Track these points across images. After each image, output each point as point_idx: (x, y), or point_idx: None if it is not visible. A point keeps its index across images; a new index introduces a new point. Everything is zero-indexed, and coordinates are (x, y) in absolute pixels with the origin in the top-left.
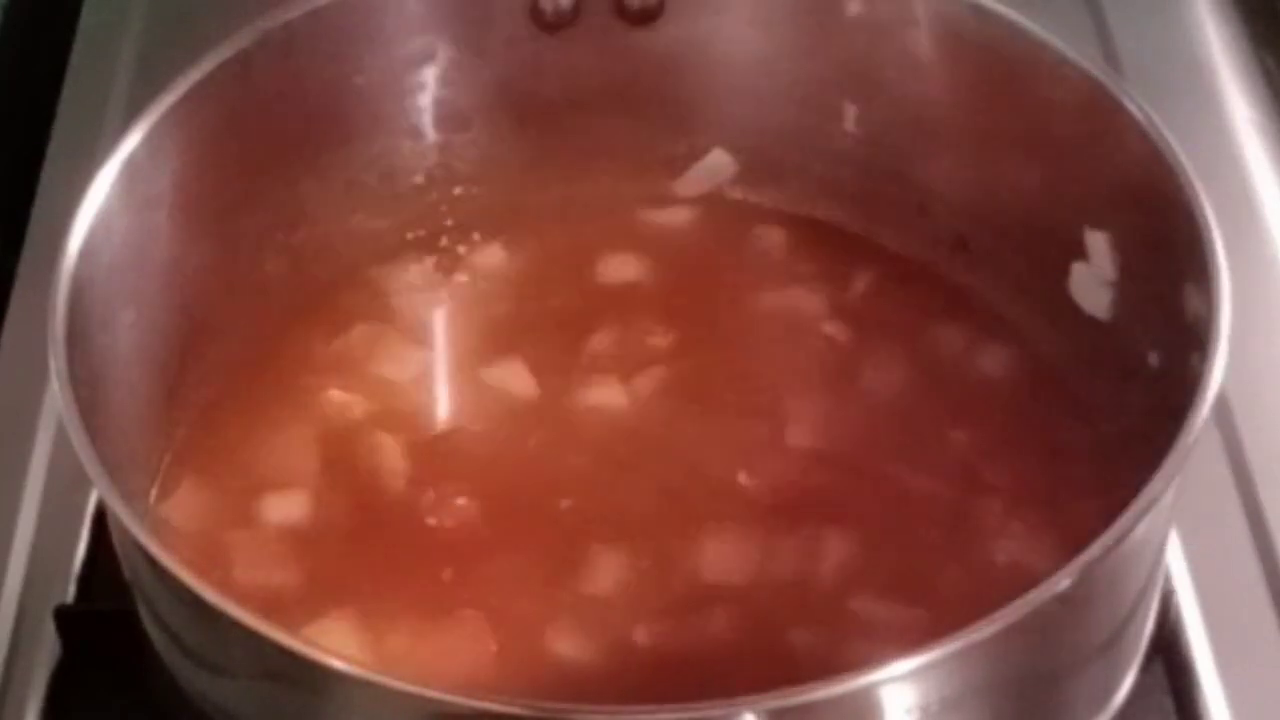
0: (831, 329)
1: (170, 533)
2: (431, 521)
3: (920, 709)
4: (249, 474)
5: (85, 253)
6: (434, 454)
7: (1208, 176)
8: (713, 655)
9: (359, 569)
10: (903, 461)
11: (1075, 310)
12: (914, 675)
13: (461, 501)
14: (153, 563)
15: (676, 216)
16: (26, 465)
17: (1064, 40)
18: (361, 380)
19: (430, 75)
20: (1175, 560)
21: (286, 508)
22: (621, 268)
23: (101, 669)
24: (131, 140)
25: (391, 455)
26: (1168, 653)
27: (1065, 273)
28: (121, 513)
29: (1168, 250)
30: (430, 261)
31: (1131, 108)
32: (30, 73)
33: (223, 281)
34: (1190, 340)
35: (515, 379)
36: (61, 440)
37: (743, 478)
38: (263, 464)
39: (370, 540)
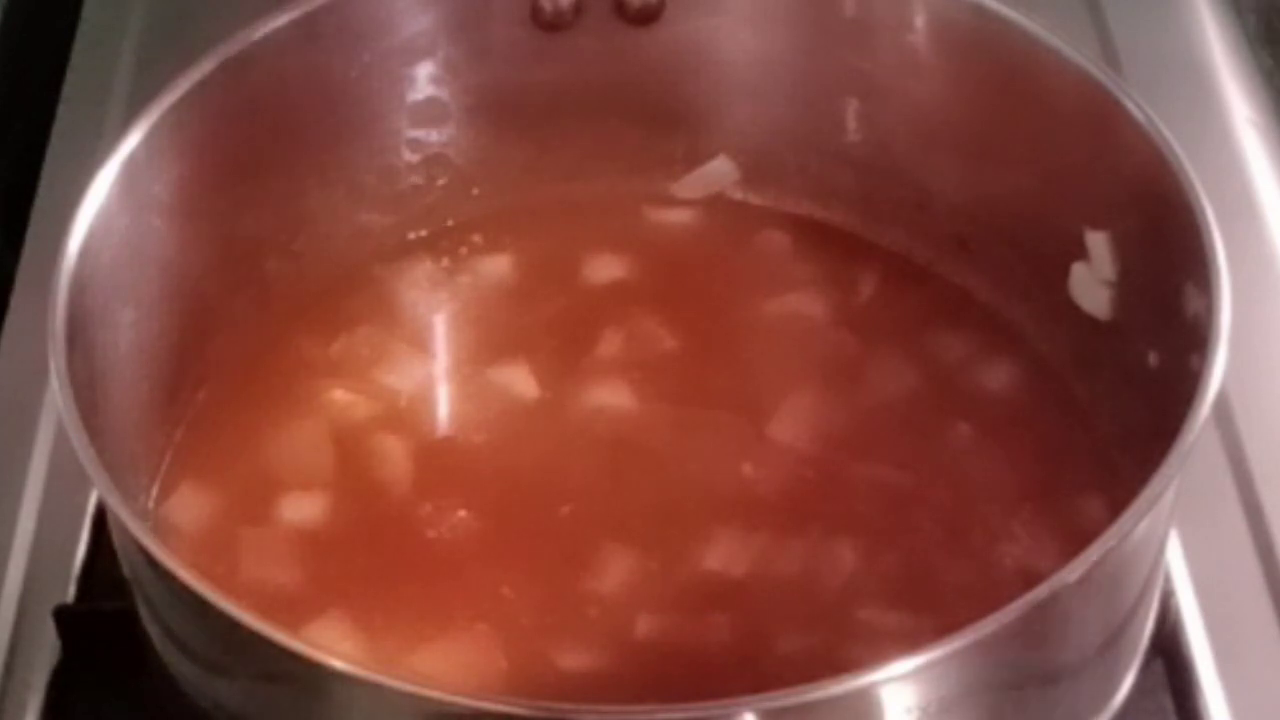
0: (833, 331)
1: (171, 532)
2: (434, 528)
3: (920, 709)
4: (258, 474)
5: (85, 252)
6: (438, 457)
7: (1208, 176)
8: (715, 657)
9: (363, 571)
10: (904, 463)
11: (1075, 310)
12: (914, 675)
13: (465, 507)
14: (153, 562)
15: (678, 218)
16: (26, 465)
17: (1064, 40)
18: (365, 383)
19: (430, 75)
20: (1175, 560)
21: (304, 508)
22: (623, 269)
23: (101, 669)
24: (131, 140)
25: (396, 459)
26: (1168, 653)
27: (1065, 273)
28: (121, 512)
29: (1168, 250)
30: (432, 262)
31: (1131, 108)
32: (30, 73)
33: (223, 281)
34: (1190, 340)
35: (518, 381)
36: (61, 440)
37: (746, 481)
38: (274, 464)
39: (373, 543)
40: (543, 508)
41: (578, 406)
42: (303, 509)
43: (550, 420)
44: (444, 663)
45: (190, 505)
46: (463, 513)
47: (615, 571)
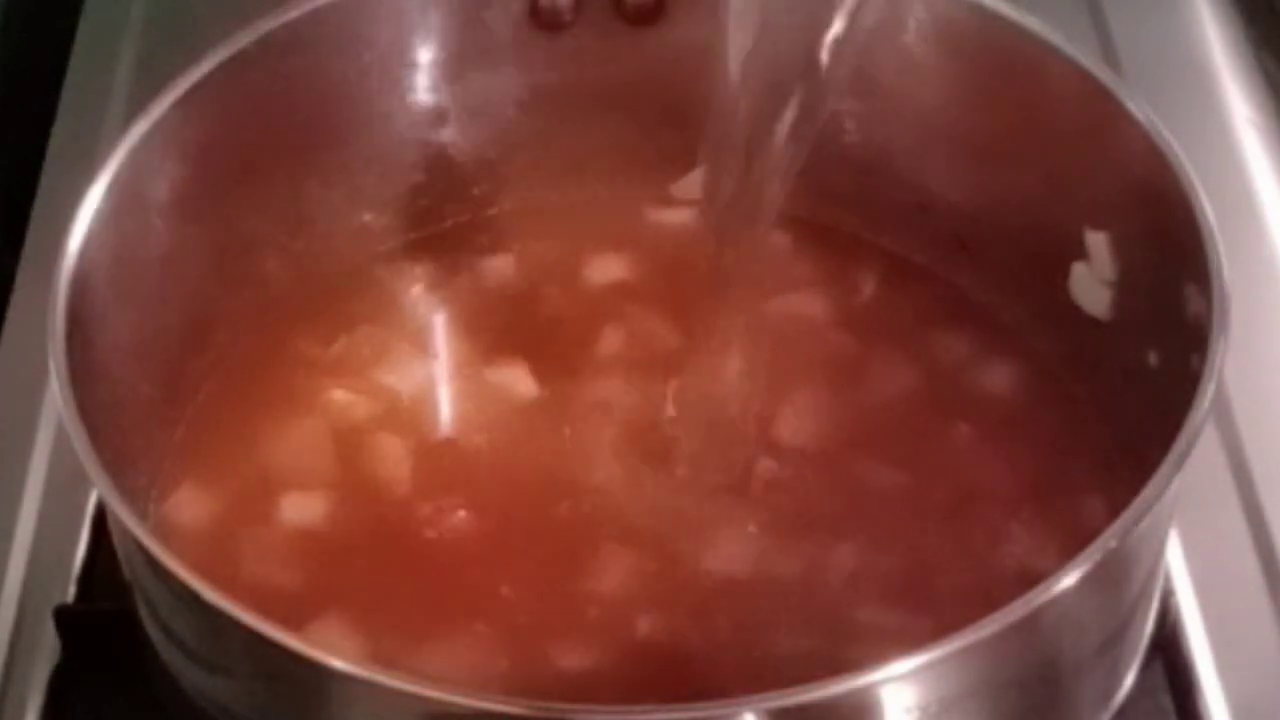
0: (833, 331)
1: (171, 532)
2: (434, 528)
3: (920, 709)
4: (258, 473)
5: (85, 252)
6: (438, 457)
7: (1208, 176)
8: (715, 657)
9: (363, 571)
10: (904, 463)
11: (1075, 310)
12: (914, 675)
13: (465, 507)
14: (153, 562)
15: (678, 218)
16: (26, 465)
17: (1064, 40)
18: (365, 383)
19: (429, 75)
20: (1175, 560)
21: (304, 508)
22: (623, 269)
23: (101, 669)
24: (131, 140)
25: (396, 459)
26: (1168, 653)
27: (1065, 273)
28: (121, 512)
29: (1168, 250)
30: (431, 262)
31: (1131, 108)
32: (30, 73)
33: (223, 281)
34: (1190, 340)
35: (518, 381)
36: (61, 440)
37: (745, 481)
38: (274, 464)
39: (374, 543)
40: (543, 508)
41: (578, 406)
42: (303, 509)
43: (551, 420)
44: (444, 663)
45: (190, 505)
46: (463, 513)
47: (615, 571)
